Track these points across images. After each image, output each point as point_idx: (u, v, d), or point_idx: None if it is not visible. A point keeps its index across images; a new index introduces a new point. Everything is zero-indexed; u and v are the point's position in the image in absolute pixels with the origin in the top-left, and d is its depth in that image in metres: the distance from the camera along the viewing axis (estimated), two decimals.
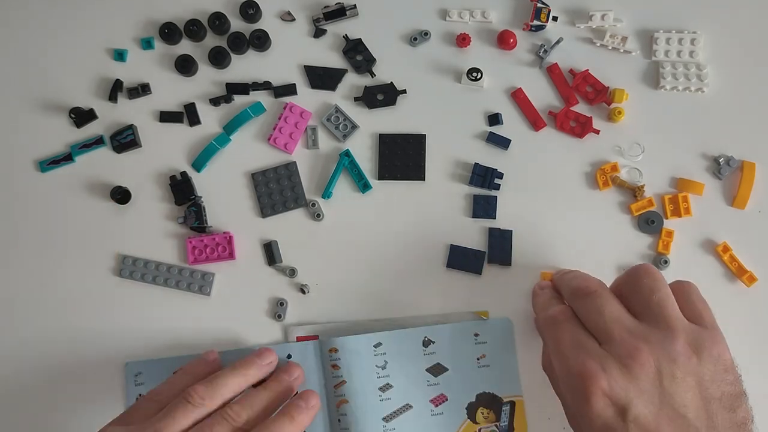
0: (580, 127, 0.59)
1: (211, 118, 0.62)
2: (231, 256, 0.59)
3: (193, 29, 0.62)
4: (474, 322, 0.57)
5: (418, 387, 0.56)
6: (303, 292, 0.58)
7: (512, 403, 0.56)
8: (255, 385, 0.52)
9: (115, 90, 0.62)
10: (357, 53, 0.61)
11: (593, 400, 0.44)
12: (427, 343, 0.56)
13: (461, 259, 0.58)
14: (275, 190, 0.60)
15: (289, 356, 0.56)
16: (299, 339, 0.57)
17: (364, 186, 0.60)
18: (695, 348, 0.45)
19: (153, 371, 0.57)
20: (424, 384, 0.56)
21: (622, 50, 0.60)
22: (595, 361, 0.45)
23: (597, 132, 0.59)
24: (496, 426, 0.55)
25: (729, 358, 0.46)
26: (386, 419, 0.55)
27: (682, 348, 0.45)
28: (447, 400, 0.56)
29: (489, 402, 0.56)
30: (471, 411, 0.56)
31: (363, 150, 0.60)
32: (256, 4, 0.62)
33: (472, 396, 0.56)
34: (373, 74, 0.61)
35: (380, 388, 0.56)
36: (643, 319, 0.47)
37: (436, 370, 0.56)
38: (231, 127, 0.61)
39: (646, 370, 0.44)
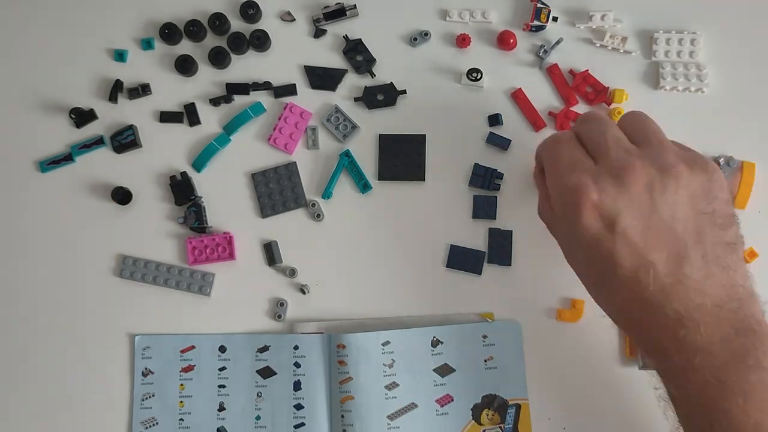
0: None
1: (211, 119, 0.62)
2: (231, 256, 0.59)
3: (193, 29, 0.62)
4: (483, 323, 0.57)
5: (424, 386, 0.56)
6: (303, 292, 0.58)
7: (518, 406, 0.56)
8: None
9: (116, 90, 0.62)
10: (357, 53, 0.61)
11: (583, 212, 0.44)
12: (435, 343, 0.56)
13: (461, 259, 0.58)
14: (275, 191, 0.60)
15: (296, 347, 0.57)
16: (295, 334, 0.57)
17: (364, 186, 0.60)
18: (687, 162, 0.45)
19: (161, 346, 0.58)
20: (430, 384, 0.56)
21: (622, 50, 0.60)
22: (588, 174, 0.45)
23: None
24: (500, 428, 0.55)
25: (722, 178, 0.46)
26: (391, 417, 0.55)
27: (674, 160, 0.45)
28: (452, 400, 0.56)
29: (495, 404, 0.56)
30: (476, 412, 0.56)
31: (363, 150, 0.60)
32: (256, 5, 0.62)
33: (477, 397, 0.56)
34: (373, 74, 0.61)
35: (386, 387, 0.56)
36: (638, 143, 0.47)
37: (443, 370, 0.56)
38: (231, 127, 0.61)
39: (637, 181, 0.44)
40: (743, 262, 0.45)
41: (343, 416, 0.55)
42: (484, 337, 0.56)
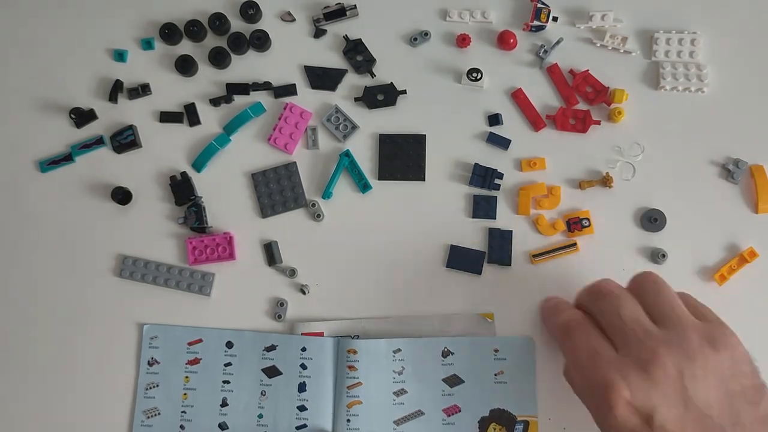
0: (581, 123, 0.59)
1: (211, 119, 0.62)
2: (231, 256, 0.59)
3: (194, 29, 0.62)
4: (495, 337, 0.57)
5: (432, 395, 0.56)
6: (303, 292, 0.58)
7: (526, 423, 0.55)
8: None
9: (116, 90, 0.62)
10: (357, 53, 0.61)
11: (617, 411, 0.43)
12: (446, 353, 0.56)
13: (461, 259, 0.58)
14: (275, 191, 0.60)
15: (304, 349, 0.57)
16: (304, 335, 0.57)
17: (364, 186, 0.60)
18: (710, 342, 0.45)
19: (169, 337, 0.58)
20: (438, 393, 0.56)
21: (622, 50, 0.60)
22: (615, 370, 0.44)
23: (598, 123, 0.59)
24: None
25: (744, 349, 0.46)
26: (397, 423, 0.55)
27: (698, 344, 0.44)
28: (460, 411, 0.56)
29: (502, 418, 0.55)
30: (483, 425, 0.55)
31: (363, 150, 0.60)
32: (256, 5, 0.62)
33: (485, 410, 0.56)
34: (373, 74, 0.61)
35: (395, 393, 0.56)
36: (656, 321, 0.46)
37: (453, 380, 0.56)
38: (231, 127, 0.61)
39: (666, 374, 0.43)
40: None
41: (349, 420, 0.55)
42: (496, 351, 0.56)
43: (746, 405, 0.44)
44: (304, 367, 0.57)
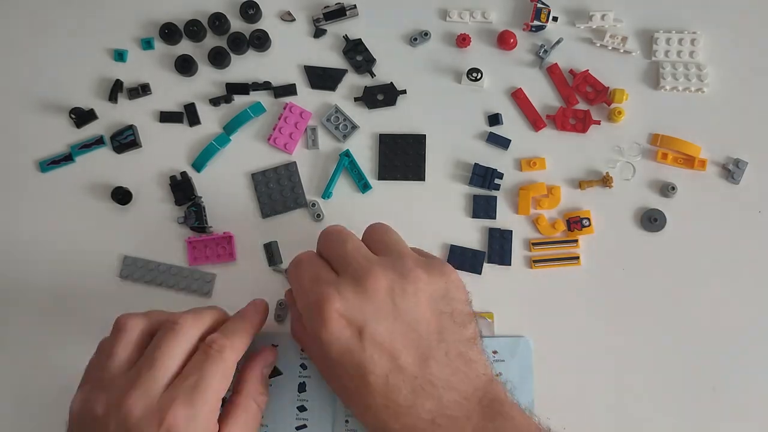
0: (581, 123, 0.59)
1: (211, 119, 0.62)
2: (231, 256, 0.59)
3: (193, 29, 0.62)
4: (494, 339, 0.56)
5: None
6: None
7: None
8: None
9: (116, 90, 0.62)
10: (357, 53, 0.61)
11: (330, 323, 0.45)
12: None
13: (461, 259, 0.58)
14: (275, 191, 0.60)
15: (302, 350, 0.56)
16: None
17: (364, 186, 0.60)
18: (424, 267, 0.47)
19: None
20: None
21: (622, 50, 0.60)
22: (332, 287, 0.46)
23: (598, 123, 0.59)
24: None
25: (458, 278, 0.49)
26: None
27: (412, 265, 0.47)
28: None
29: None
30: None
31: (363, 150, 0.60)
32: (256, 5, 0.62)
33: None
34: (373, 74, 0.61)
35: None
36: (377, 254, 0.49)
37: None
38: (231, 127, 0.61)
39: (378, 287, 0.46)
40: (483, 354, 0.48)
41: (347, 421, 0.55)
42: (495, 352, 0.56)
43: (453, 326, 0.47)
44: (304, 367, 0.56)
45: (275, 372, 0.57)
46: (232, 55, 0.62)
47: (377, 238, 0.50)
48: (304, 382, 0.56)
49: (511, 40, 0.60)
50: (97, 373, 0.48)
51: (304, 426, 0.55)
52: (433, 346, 0.46)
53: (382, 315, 0.45)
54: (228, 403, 0.49)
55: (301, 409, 0.56)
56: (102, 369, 0.47)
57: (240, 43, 0.61)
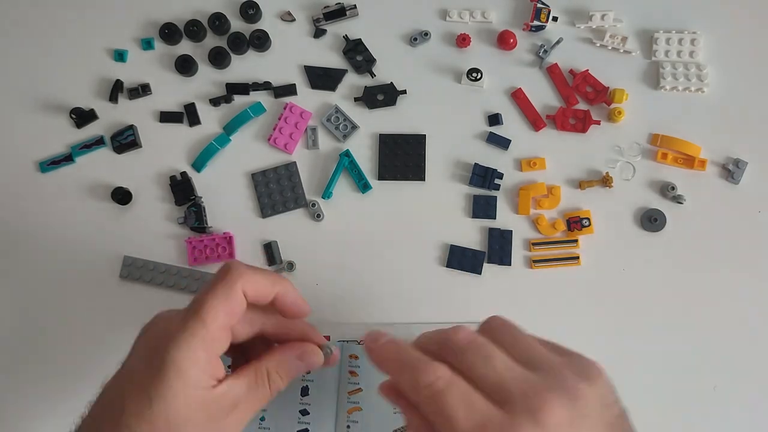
0: (581, 123, 0.59)
1: (211, 119, 0.62)
2: (231, 256, 0.59)
3: (193, 29, 0.62)
4: None
5: None
6: (290, 267, 0.58)
7: None
8: None
9: (116, 90, 0.62)
10: (357, 53, 0.61)
11: None
12: None
13: (461, 259, 0.58)
14: (275, 191, 0.60)
15: None
16: None
17: (364, 186, 0.60)
18: (583, 376, 0.42)
19: None
20: None
21: (622, 50, 0.60)
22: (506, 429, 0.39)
23: (598, 123, 0.59)
24: None
25: (607, 376, 0.43)
26: None
27: (574, 381, 0.41)
28: None
29: None
30: None
31: (363, 150, 0.60)
32: (256, 5, 0.62)
33: None
34: (373, 74, 0.61)
35: None
36: (523, 366, 0.42)
37: None
38: (231, 127, 0.61)
39: (558, 420, 0.40)
40: None
41: (348, 426, 0.55)
42: None
43: (626, 428, 0.42)
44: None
45: None
46: (232, 55, 0.62)
47: (511, 346, 0.43)
48: (306, 386, 0.56)
49: (511, 40, 0.60)
50: None
51: (306, 430, 0.55)
52: None
53: None
54: (243, 365, 0.45)
55: (304, 412, 0.56)
56: None
57: (240, 43, 0.61)
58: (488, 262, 0.58)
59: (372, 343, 0.44)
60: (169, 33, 0.62)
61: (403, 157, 0.60)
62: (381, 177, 0.60)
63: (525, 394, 0.40)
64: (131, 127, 0.61)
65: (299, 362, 0.47)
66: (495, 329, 0.44)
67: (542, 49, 0.60)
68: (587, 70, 0.60)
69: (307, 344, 0.48)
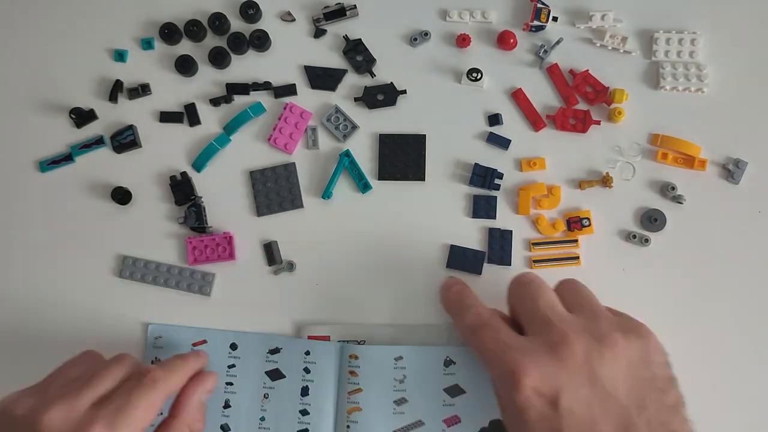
0: (581, 123, 0.59)
1: (211, 119, 0.62)
2: (231, 256, 0.59)
3: (193, 29, 0.62)
4: None
5: (433, 405, 0.55)
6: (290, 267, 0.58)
7: None
8: None
9: (116, 90, 0.62)
10: (357, 53, 0.61)
11: (524, 391, 0.43)
12: (448, 363, 0.56)
13: (461, 259, 0.58)
14: (272, 190, 0.60)
15: (308, 353, 0.56)
16: (310, 338, 0.57)
17: (364, 186, 0.60)
18: (622, 330, 0.45)
19: (173, 337, 0.58)
20: (439, 403, 0.55)
21: (622, 50, 0.60)
22: (521, 354, 0.45)
23: (598, 123, 0.59)
24: None
25: (657, 341, 0.46)
26: None
27: (608, 328, 0.45)
28: (460, 422, 0.55)
29: (502, 430, 0.54)
30: None
31: (363, 150, 0.60)
32: (256, 5, 0.62)
33: (485, 421, 0.55)
34: (373, 74, 0.61)
35: (395, 401, 0.55)
36: (570, 311, 0.47)
37: (454, 390, 0.55)
38: (231, 127, 0.61)
39: (574, 353, 0.44)
40: (687, 423, 0.45)
41: (348, 426, 0.55)
42: None
43: (654, 392, 0.44)
44: (307, 371, 0.56)
45: (278, 375, 0.57)
46: (232, 55, 0.62)
47: (569, 293, 0.49)
48: (307, 385, 0.56)
49: (511, 40, 0.60)
50: (43, 383, 0.48)
51: (306, 430, 0.55)
52: (633, 416, 0.43)
53: (579, 383, 0.43)
54: (160, 426, 0.50)
55: (304, 412, 0.56)
56: (48, 379, 0.49)
57: (240, 43, 0.61)
58: (488, 262, 0.58)
59: (445, 291, 0.53)
60: (169, 33, 0.62)
61: (403, 157, 0.60)
62: (381, 177, 0.60)
63: (552, 325, 0.45)
64: (131, 127, 0.61)
65: (203, 397, 0.52)
66: (565, 282, 0.50)
67: (542, 49, 0.60)
68: (587, 70, 0.60)
69: (201, 378, 0.52)
